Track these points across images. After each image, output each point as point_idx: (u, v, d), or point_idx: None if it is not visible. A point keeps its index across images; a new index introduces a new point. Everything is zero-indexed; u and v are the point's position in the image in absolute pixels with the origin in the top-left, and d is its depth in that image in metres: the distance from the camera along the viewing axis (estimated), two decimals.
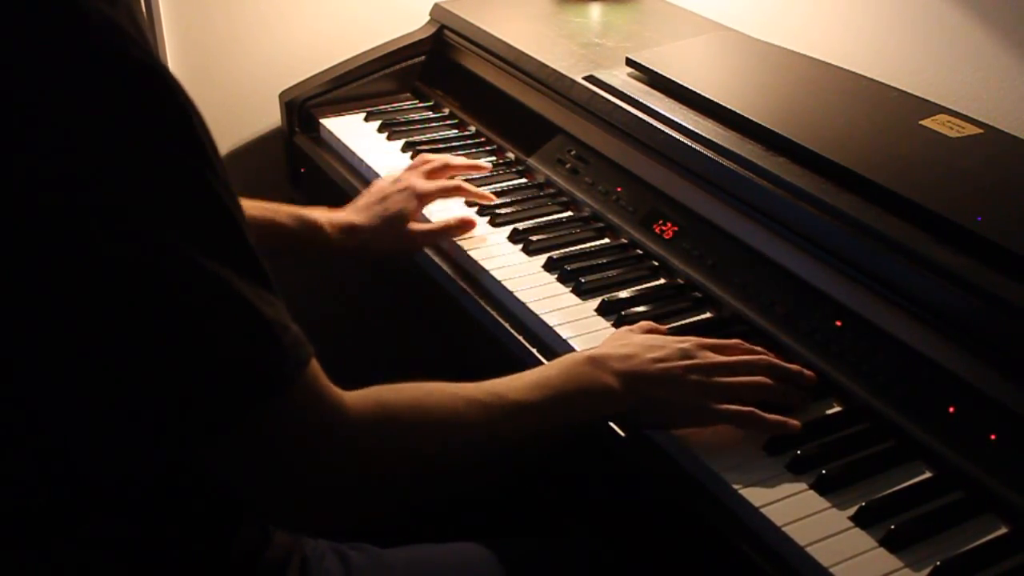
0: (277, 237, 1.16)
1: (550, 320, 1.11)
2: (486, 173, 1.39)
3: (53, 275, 0.62)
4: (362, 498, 0.77)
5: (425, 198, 1.24)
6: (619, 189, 1.30)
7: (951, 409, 0.90)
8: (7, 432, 0.69)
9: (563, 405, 0.88)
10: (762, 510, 0.84)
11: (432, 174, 1.26)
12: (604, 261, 1.22)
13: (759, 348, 1.00)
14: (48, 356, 0.65)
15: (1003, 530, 0.84)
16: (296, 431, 0.70)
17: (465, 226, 1.19)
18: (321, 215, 1.22)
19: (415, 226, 1.22)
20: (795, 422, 0.92)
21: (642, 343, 0.95)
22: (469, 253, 1.24)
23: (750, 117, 1.20)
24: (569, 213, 1.34)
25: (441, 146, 1.52)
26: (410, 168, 1.30)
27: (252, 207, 1.15)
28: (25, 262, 0.62)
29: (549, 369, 0.91)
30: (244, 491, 0.75)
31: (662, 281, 1.19)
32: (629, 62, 1.40)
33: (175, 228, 0.63)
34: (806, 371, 0.97)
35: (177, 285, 0.63)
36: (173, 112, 0.64)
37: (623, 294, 1.15)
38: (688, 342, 0.96)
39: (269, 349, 0.67)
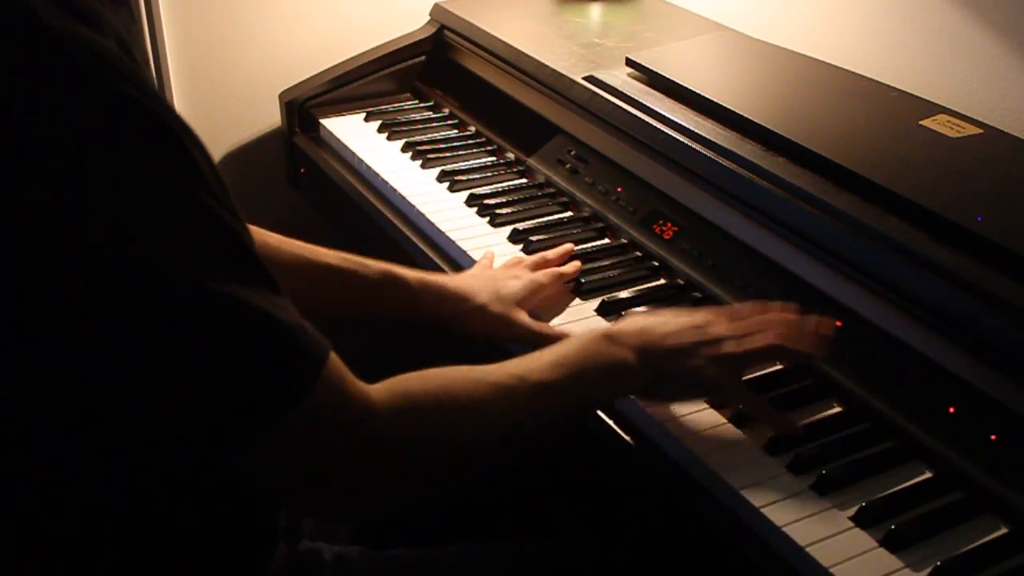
0: (362, 289, 1.09)
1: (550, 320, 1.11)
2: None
3: (64, 308, 0.62)
4: (395, 489, 0.77)
5: (540, 290, 1.14)
6: (619, 189, 1.30)
7: (951, 409, 0.90)
8: (26, 446, 0.69)
9: (583, 382, 0.88)
10: (762, 510, 0.84)
11: (536, 268, 1.18)
12: (604, 262, 1.22)
13: (775, 305, 0.98)
14: (68, 382, 0.65)
15: (1003, 530, 0.84)
16: (324, 428, 0.70)
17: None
18: (410, 273, 1.11)
19: (524, 319, 1.10)
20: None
21: (656, 317, 0.95)
22: (470, 254, 1.24)
23: (750, 117, 1.20)
24: (569, 213, 1.34)
25: (442, 146, 1.52)
26: (511, 265, 1.20)
27: (338, 259, 1.09)
28: (36, 299, 0.62)
29: (567, 346, 0.90)
30: (277, 492, 0.75)
31: (662, 281, 1.19)
32: (629, 62, 1.40)
33: (181, 257, 0.63)
34: (824, 319, 0.96)
35: (191, 310, 0.63)
36: (163, 141, 0.63)
37: (623, 294, 1.15)
38: (700, 312, 0.96)
39: (289, 352, 0.67)
